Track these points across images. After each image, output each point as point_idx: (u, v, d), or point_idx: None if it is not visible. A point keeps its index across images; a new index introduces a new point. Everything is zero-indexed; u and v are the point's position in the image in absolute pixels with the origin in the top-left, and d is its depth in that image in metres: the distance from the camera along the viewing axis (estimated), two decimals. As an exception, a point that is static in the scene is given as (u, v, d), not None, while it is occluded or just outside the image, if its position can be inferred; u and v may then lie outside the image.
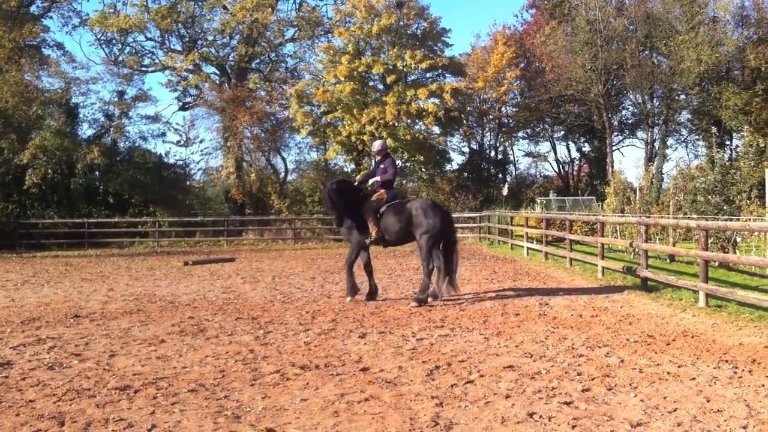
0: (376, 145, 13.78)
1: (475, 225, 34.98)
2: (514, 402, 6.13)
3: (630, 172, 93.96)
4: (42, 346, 8.92)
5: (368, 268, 13.15)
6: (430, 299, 12.28)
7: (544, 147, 52.70)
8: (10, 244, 31.37)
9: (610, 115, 43.13)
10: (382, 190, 12.89)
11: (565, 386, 6.60)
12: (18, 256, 27.88)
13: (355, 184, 13.66)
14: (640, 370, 7.22)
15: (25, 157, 34.34)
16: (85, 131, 40.77)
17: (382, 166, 13.19)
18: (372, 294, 13.01)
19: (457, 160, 47.76)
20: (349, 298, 12.76)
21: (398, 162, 40.45)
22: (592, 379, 6.84)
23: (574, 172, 52.55)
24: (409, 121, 39.04)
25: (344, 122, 39.37)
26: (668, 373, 7.09)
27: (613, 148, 44.67)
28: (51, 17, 44.12)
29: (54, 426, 5.68)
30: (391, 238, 12.71)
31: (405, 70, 39.75)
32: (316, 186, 40.00)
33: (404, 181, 43.58)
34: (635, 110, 46.86)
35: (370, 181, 13.20)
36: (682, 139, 47.58)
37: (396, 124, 38.22)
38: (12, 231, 33.01)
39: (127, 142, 41.14)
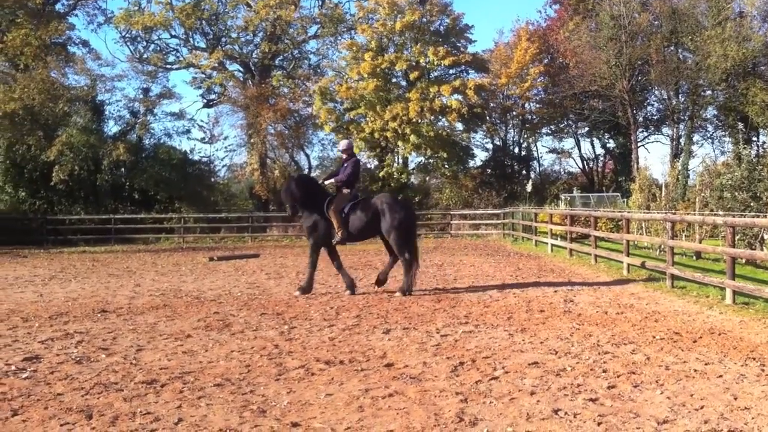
0: (342, 144, 14.31)
1: (498, 221, 34.85)
2: (539, 398, 6.12)
3: (655, 169, 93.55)
4: (70, 340, 9.02)
5: (313, 265, 13.51)
6: (398, 293, 12.93)
7: (569, 143, 52.63)
8: (38, 240, 31.81)
9: (635, 111, 42.79)
10: (347, 190, 13.32)
11: (590, 383, 6.58)
12: (46, 251, 28.18)
13: (321, 182, 14.09)
14: (666, 367, 7.17)
15: (52, 153, 34.68)
16: (111, 128, 41.17)
17: (345, 165, 13.62)
18: (307, 289, 13.36)
19: (480, 156, 47.81)
20: (348, 292, 13.18)
21: (422, 158, 40.51)
22: (618, 376, 6.81)
23: (599, 169, 52.23)
24: (432, 117, 38.95)
25: (367, 119, 39.36)
26: (695, 370, 7.04)
27: (638, 144, 44.35)
28: (76, 15, 44.65)
29: (82, 419, 5.74)
30: (357, 234, 13.20)
31: (428, 66, 39.68)
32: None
33: (427, 178, 43.55)
34: (660, 106, 46.49)
35: (327, 182, 13.79)
36: (708, 135, 47.17)
37: (419, 120, 38.16)
38: (40, 227, 33.46)
39: (152, 139, 41.44)
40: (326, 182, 13.81)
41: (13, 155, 35.55)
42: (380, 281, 13.53)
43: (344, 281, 13.53)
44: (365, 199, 13.44)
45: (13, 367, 7.51)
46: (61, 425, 5.61)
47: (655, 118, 48.13)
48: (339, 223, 12.97)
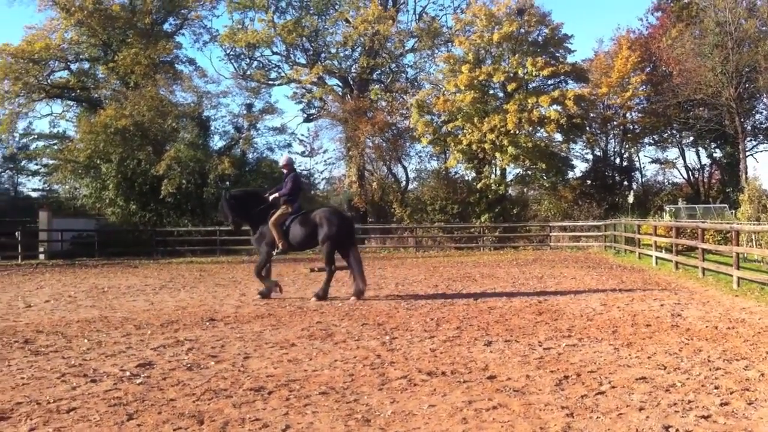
0: (282, 160, 15.57)
1: (599, 234, 34.18)
2: (649, 414, 5.96)
3: (765, 179, 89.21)
4: (180, 347, 9.33)
5: (267, 272, 15.01)
6: (353, 298, 14.26)
7: (672, 153, 50.85)
8: (147, 251, 33.11)
9: (742, 120, 41.13)
10: (290, 204, 14.36)
11: (702, 399, 6.38)
12: (155, 262, 29.28)
13: (266, 195, 15.06)
14: (782, 385, 6.88)
15: (161, 168, 36.06)
16: (216, 143, 42.54)
17: (285, 180, 14.65)
18: (266, 294, 14.65)
19: (580, 167, 46.83)
20: (259, 296, 14.62)
21: (520, 170, 40.09)
22: (731, 393, 6.58)
23: (705, 179, 50.40)
24: (530, 128, 38.57)
25: (465, 131, 39.31)
26: (814, 389, 6.73)
27: (747, 153, 42.59)
28: (183, 34, 46.47)
29: (194, 424, 5.91)
30: (297, 245, 14.57)
31: (526, 77, 39.34)
32: (437, 194, 40.12)
33: (526, 189, 43.11)
34: (770, 114, 44.61)
35: (271, 198, 14.74)
36: (821, 144, 44.89)
37: (517, 131, 37.84)
38: (149, 238, 34.82)
39: (255, 153, 42.63)
40: (270, 197, 14.76)
41: (124, 169, 37.18)
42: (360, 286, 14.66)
43: (263, 287, 14.84)
44: (306, 213, 14.63)
45: (127, 373, 7.81)
46: (174, 430, 5.78)
47: (765, 126, 46.17)
48: (279, 235, 14.23)
